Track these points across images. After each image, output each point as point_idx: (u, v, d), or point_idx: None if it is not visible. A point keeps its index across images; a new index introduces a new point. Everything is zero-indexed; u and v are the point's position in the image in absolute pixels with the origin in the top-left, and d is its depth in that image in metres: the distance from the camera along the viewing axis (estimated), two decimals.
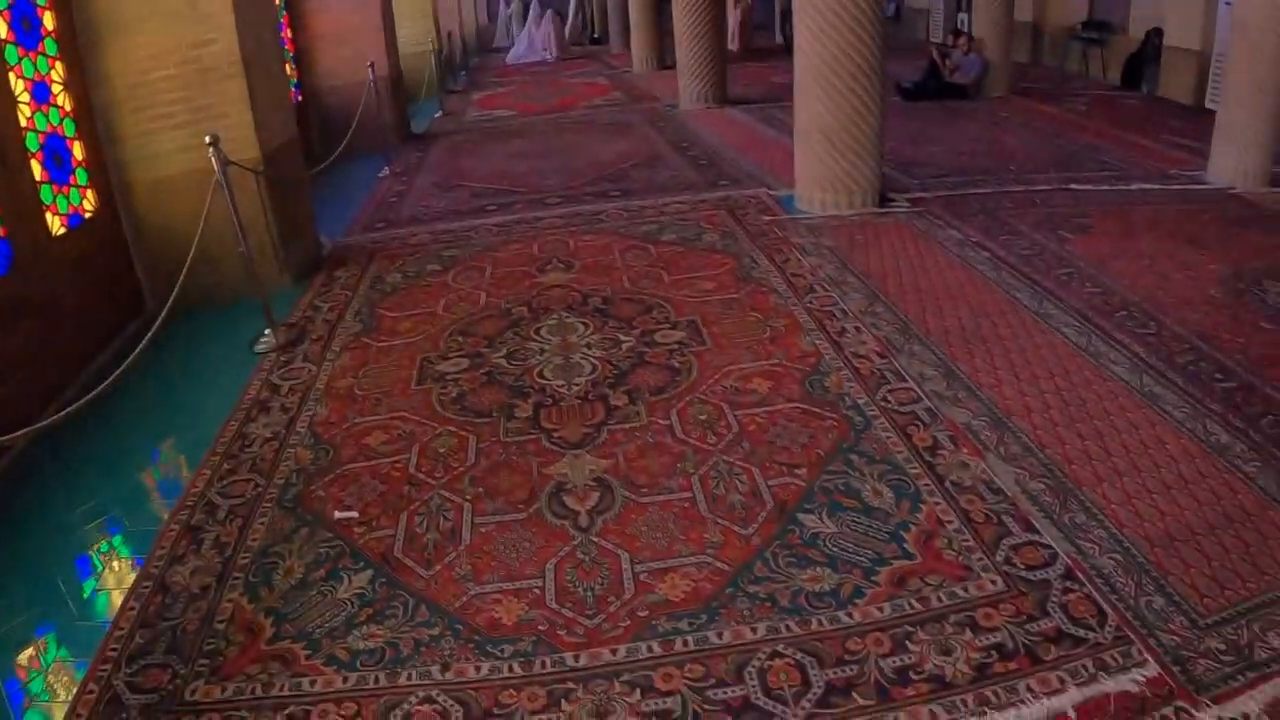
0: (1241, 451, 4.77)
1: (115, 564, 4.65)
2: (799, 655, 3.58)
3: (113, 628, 4.04)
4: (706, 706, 3.37)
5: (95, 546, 4.78)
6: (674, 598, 3.93)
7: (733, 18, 22.91)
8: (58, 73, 7.07)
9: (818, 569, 4.04)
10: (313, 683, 3.63)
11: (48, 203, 6.62)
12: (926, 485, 4.60)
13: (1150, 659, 3.45)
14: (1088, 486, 4.51)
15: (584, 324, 6.79)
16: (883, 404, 5.41)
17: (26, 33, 6.67)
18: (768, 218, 9.24)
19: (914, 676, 3.45)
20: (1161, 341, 6.04)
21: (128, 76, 7.50)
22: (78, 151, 7.23)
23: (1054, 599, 3.79)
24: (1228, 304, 6.59)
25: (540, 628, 3.82)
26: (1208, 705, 3.25)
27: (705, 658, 3.60)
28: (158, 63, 7.53)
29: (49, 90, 6.91)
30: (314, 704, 3.52)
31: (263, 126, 8.00)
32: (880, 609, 3.79)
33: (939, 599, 3.83)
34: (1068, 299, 6.76)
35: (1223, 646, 3.50)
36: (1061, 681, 3.39)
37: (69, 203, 6.94)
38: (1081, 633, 3.61)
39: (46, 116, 6.81)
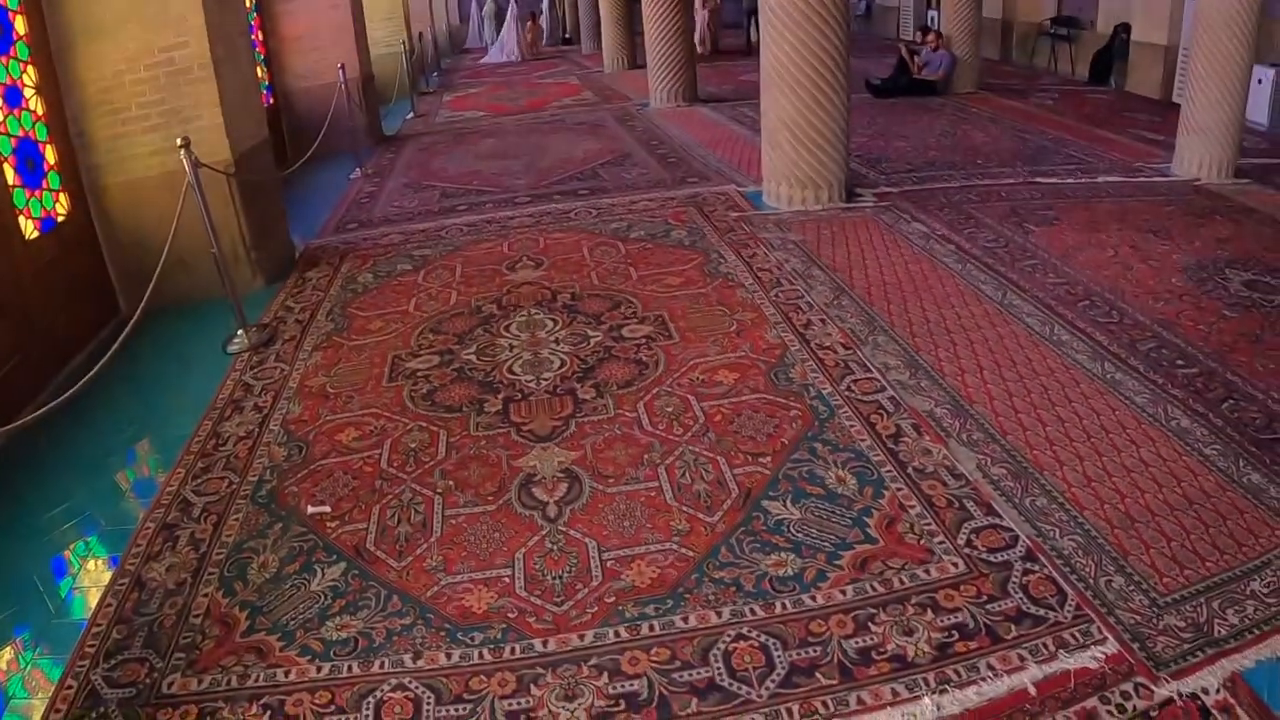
0: (1202, 435, 4.86)
1: (91, 563, 4.68)
2: (763, 638, 3.64)
3: (90, 624, 4.07)
4: (672, 688, 3.43)
5: (71, 546, 4.80)
6: (640, 584, 3.99)
7: (700, 18, 22.90)
8: (30, 77, 7.08)
9: (782, 554, 4.11)
10: (287, 673, 3.68)
11: (20, 207, 6.63)
12: (889, 472, 4.67)
13: (1110, 637, 3.53)
14: (1048, 471, 4.59)
15: (553, 320, 6.84)
16: (847, 394, 5.48)
17: None
18: (735, 214, 9.31)
19: (876, 656, 3.52)
20: (1124, 330, 6.13)
21: (100, 80, 7.52)
22: (50, 155, 7.24)
23: (1015, 580, 3.86)
24: (1190, 293, 6.68)
25: (510, 615, 3.88)
26: (1167, 681, 3.32)
27: (671, 641, 3.66)
28: (129, 66, 7.55)
29: (21, 95, 6.92)
30: (289, 694, 3.57)
31: (234, 129, 8.03)
32: (843, 592, 3.86)
33: (901, 581, 3.90)
34: (1031, 289, 6.85)
35: (1182, 624, 3.57)
36: (1022, 659, 3.45)
37: (42, 207, 6.96)
38: (1042, 612, 3.68)
39: (19, 121, 6.83)
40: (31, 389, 6.21)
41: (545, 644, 3.71)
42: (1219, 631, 3.53)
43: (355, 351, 6.63)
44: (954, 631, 3.61)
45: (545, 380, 5.92)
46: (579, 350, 6.29)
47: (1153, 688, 3.29)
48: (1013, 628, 3.61)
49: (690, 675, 3.49)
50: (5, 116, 6.64)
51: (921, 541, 4.14)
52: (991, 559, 4.00)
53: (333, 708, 3.48)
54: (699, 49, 20.49)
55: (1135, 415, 5.08)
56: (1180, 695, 3.26)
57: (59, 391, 5.40)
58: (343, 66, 13.43)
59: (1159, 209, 8.79)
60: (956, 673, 3.42)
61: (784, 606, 3.81)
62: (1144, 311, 6.38)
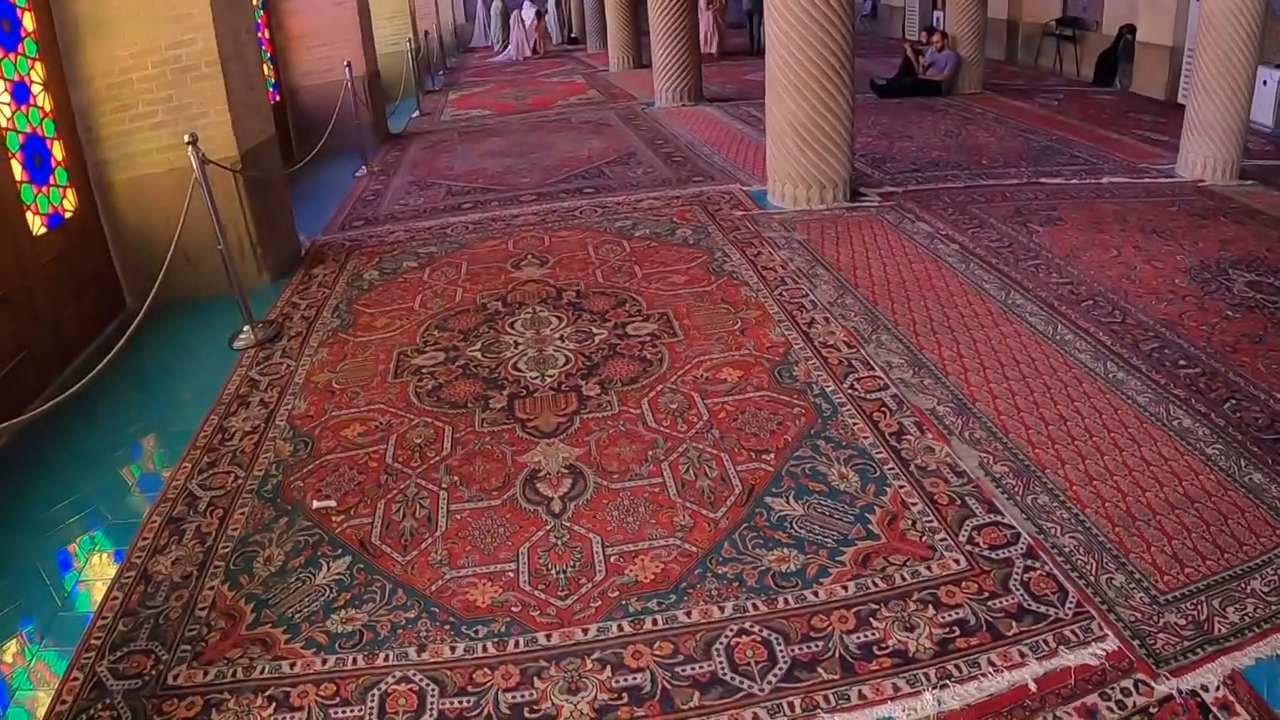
0: (1203, 435, 4.88)
1: (97, 556, 4.69)
2: (765, 632, 3.67)
3: (96, 617, 4.10)
4: (675, 682, 3.46)
5: (77, 540, 4.82)
6: (644, 579, 4.02)
7: (704, 20, 22.86)
8: (37, 73, 7.11)
9: (784, 550, 4.13)
10: (292, 665, 3.70)
11: (28, 202, 6.66)
12: (892, 469, 4.70)
13: (1110, 634, 3.55)
14: (1050, 469, 4.61)
15: (558, 317, 6.86)
16: (850, 392, 5.50)
17: (6, 34, 6.71)
18: (740, 213, 9.33)
19: (877, 652, 3.54)
20: (1127, 330, 6.14)
21: (107, 77, 7.54)
22: (57, 151, 7.26)
23: (1016, 577, 3.88)
24: (1194, 294, 6.69)
25: (514, 609, 3.91)
26: (1167, 678, 3.34)
27: (674, 636, 3.69)
28: (137, 63, 7.57)
29: (29, 91, 6.95)
30: (293, 685, 3.60)
31: (240, 126, 8.05)
32: (845, 588, 3.89)
33: (903, 577, 3.92)
34: (1035, 289, 6.87)
35: (1182, 621, 3.60)
36: (1023, 656, 3.48)
37: (49, 202, 6.98)
38: (1043, 609, 3.70)
39: (26, 117, 6.85)
40: (38, 384, 6.24)
41: (549, 638, 3.74)
42: (1219, 629, 3.55)
43: (361, 348, 6.65)
44: (955, 627, 3.63)
45: (550, 377, 5.94)
46: (584, 347, 6.32)
47: (1153, 685, 3.31)
48: (1014, 624, 3.63)
49: (693, 669, 3.52)
50: (13, 112, 6.66)
51: (923, 538, 4.16)
52: (993, 556, 4.02)
53: (338, 699, 3.50)
54: (704, 49, 20.43)
55: (1137, 414, 5.10)
56: (1180, 692, 3.27)
57: (65, 386, 5.42)
58: (349, 64, 13.43)
59: (1163, 210, 8.80)
60: (957, 668, 3.44)
61: (786, 602, 3.83)
62: (1147, 312, 6.40)
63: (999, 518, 4.26)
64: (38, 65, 7.12)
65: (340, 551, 4.38)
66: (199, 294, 7.77)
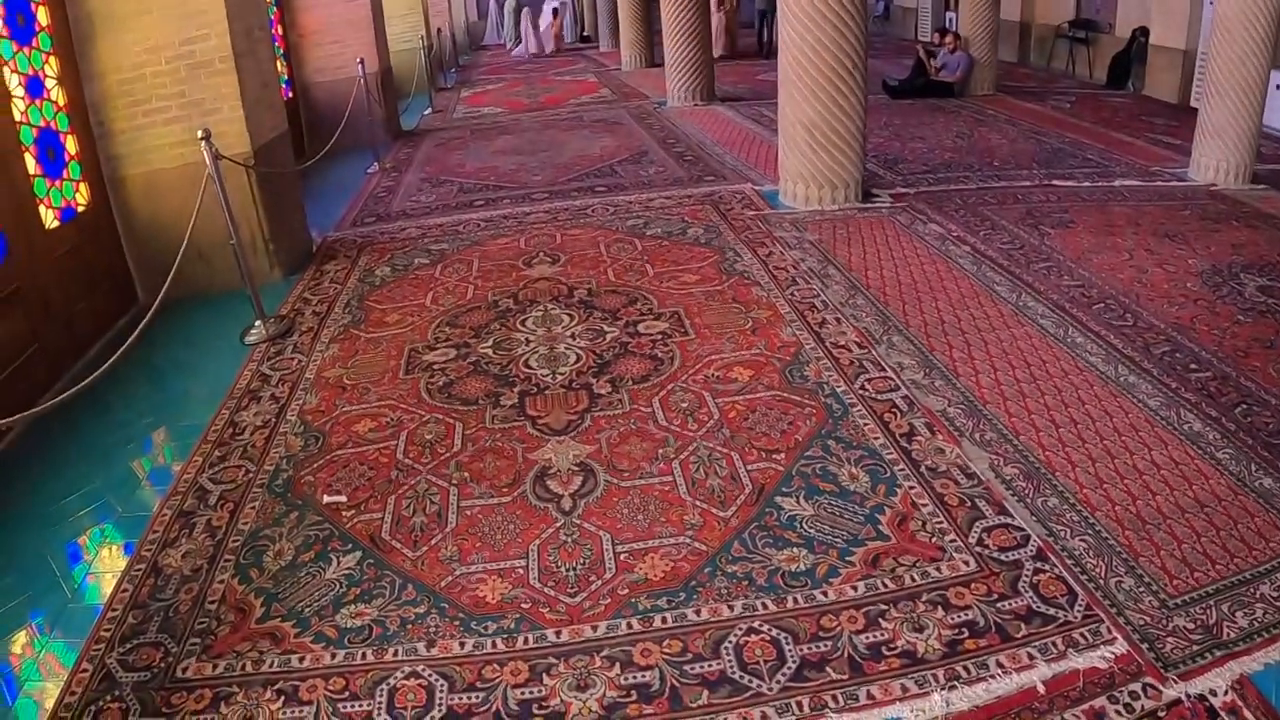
0: (1214, 439, 4.86)
1: (108, 549, 4.70)
2: (775, 631, 3.67)
3: (105, 609, 4.11)
4: (684, 680, 3.46)
5: (88, 532, 4.83)
6: (653, 577, 4.02)
7: (716, 20, 22.83)
8: (51, 68, 7.13)
9: (794, 550, 4.13)
10: (301, 659, 3.71)
11: (41, 196, 6.68)
12: (902, 470, 4.69)
13: (1119, 637, 3.54)
14: (1060, 472, 4.61)
15: (569, 315, 6.87)
16: (861, 392, 5.50)
17: (20, 28, 6.73)
18: (752, 212, 9.33)
19: (886, 652, 3.54)
20: (1138, 333, 6.13)
21: (121, 71, 7.56)
22: (71, 146, 7.29)
23: (1025, 579, 3.88)
24: (1205, 298, 6.68)
25: (523, 605, 3.91)
26: (1175, 682, 3.33)
27: (683, 634, 3.69)
28: (150, 58, 7.59)
29: (43, 85, 6.97)
30: (302, 679, 3.60)
31: (253, 121, 8.07)
32: (854, 588, 3.88)
33: (912, 578, 3.92)
34: (1046, 292, 6.86)
35: (1191, 625, 3.59)
36: (1031, 658, 3.47)
37: (62, 196, 7.01)
38: (1052, 611, 3.69)
39: (40, 111, 6.88)
40: (49, 377, 6.26)
41: (558, 634, 3.74)
42: (1228, 634, 3.55)
43: (372, 344, 6.66)
44: (964, 629, 3.63)
45: (561, 375, 5.95)
46: (595, 345, 6.32)
47: (1161, 688, 3.30)
48: (1023, 626, 3.63)
49: (702, 667, 3.52)
50: (27, 107, 6.69)
51: (933, 539, 4.16)
52: (1002, 558, 4.01)
53: (346, 694, 3.51)
54: (716, 50, 20.42)
55: (1148, 418, 5.09)
56: (1188, 696, 3.27)
57: (77, 380, 5.43)
58: (362, 61, 13.45)
59: (1175, 213, 8.79)
60: (966, 670, 3.44)
61: (795, 601, 3.83)
62: (1158, 315, 6.39)
63: (1009, 520, 4.26)
64: (51, 60, 7.15)
65: (350, 546, 4.39)
66: (211, 289, 7.79)
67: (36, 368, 6.15)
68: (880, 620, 3.70)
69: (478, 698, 3.45)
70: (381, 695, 3.49)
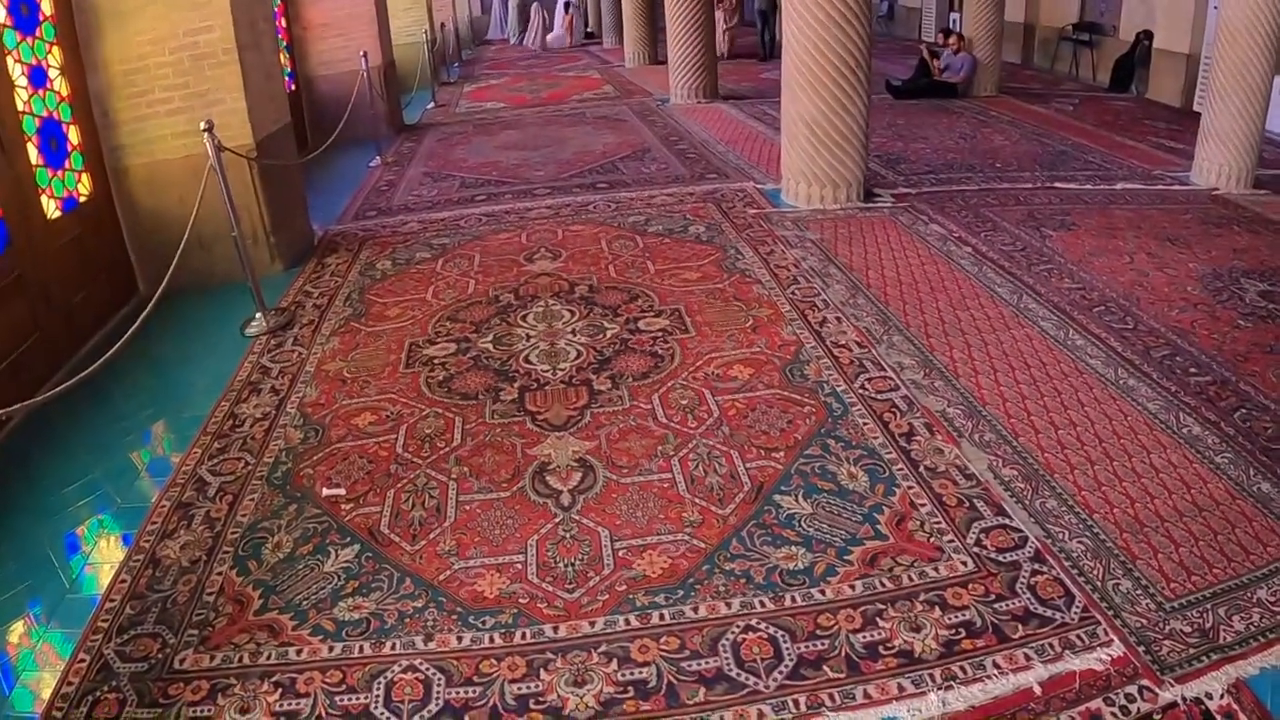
0: (1213, 443, 4.87)
1: (106, 540, 4.70)
2: (772, 630, 3.67)
3: (103, 600, 4.12)
4: (681, 677, 3.47)
5: (86, 523, 4.83)
6: (652, 574, 4.02)
7: (719, 19, 22.75)
8: (55, 58, 7.13)
9: (792, 548, 4.14)
10: (299, 652, 3.71)
11: (43, 186, 6.68)
12: (901, 470, 4.70)
13: (1116, 639, 3.55)
14: (1059, 474, 4.61)
15: (570, 311, 6.87)
16: (861, 392, 5.50)
17: (24, 18, 6.72)
18: (753, 211, 9.33)
19: (883, 651, 3.55)
20: (1138, 336, 6.14)
21: (124, 62, 7.56)
22: (74, 136, 7.29)
23: (1023, 580, 3.88)
24: (1205, 302, 6.68)
25: (521, 600, 3.92)
26: (1171, 685, 3.33)
27: (681, 631, 3.69)
28: (154, 49, 7.58)
29: (46, 75, 6.96)
30: (300, 672, 3.61)
31: (256, 113, 8.07)
32: (852, 587, 3.89)
33: (910, 578, 3.93)
34: (1047, 294, 6.86)
35: (1188, 629, 3.59)
36: (1028, 659, 3.48)
37: (64, 186, 7.00)
38: (1049, 613, 3.70)
39: (43, 101, 6.87)
40: (49, 367, 6.26)
41: (556, 630, 3.75)
42: (1224, 638, 3.55)
43: (373, 337, 6.67)
44: (961, 629, 3.64)
45: (561, 370, 5.95)
46: (595, 341, 6.32)
47: (1157, 691, 3.31)
48: (1020, 627, 3.63)
49: (699, 664, 3.52)
50: (30, 96, 6.68)
51: (931, 539, 4.16)
52: (1000, 559, 4.02)
53: (343, 687, 3.52)
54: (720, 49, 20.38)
55: (1147, 421, 5.09)
56: (1184, 700, 3.27)
57: (76, 370, 5.43)
58: (365, 55, 13.45)
59: (1176, 217, 8.79)
60: (963, 670, 3.44)
61: (793, 600, 3.84)
62: (1159, 319, 6.39)
63: (1007, 521, 4.26)
64: (55, 50, 7.14)
65: (349, 540, 4.39)
66: (212, 280, 7.79)
67: (36, 358, 6.15)
68: (878, 619, 3.70)
69: (475, 692, 3.45)
70: (379, 688, 3.50)
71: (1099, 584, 3.84)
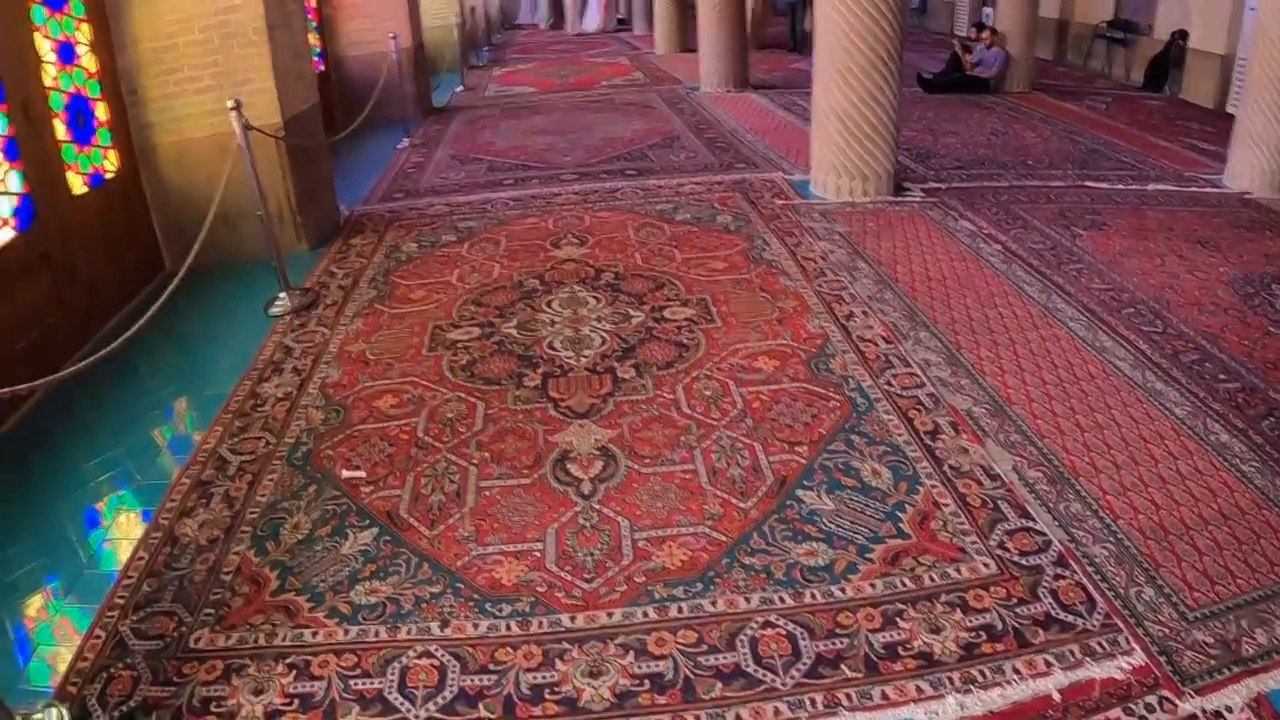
0: (1240, 451, 4.81)
1: (125, 516, 4.72)
2: (791, 626, 3.64)
3: (121, 576, 4.12)
4: (697, 671, 3.44)
5: (106, 499, 4.85)
6: (671, 566, 4.00)
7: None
8: (84, 34, 7.14)
9: (813, 544, 4.11)
10: (314, 634, 3.71)
11: (70, 162, 6.69)
12: (925, 468, 4.66)
13: (1137, 648, 3.51)
14: (1084, 477, 4.57)
15: (595, 298, 6.85)
16: (886, 388, 5.47)
17: None
18: (782, 201, 9.29)
19: (902, 652, 3.52)
20: (1167, 340, 6.07)
21: (154, 40, 7.58)
22: (101, 112, 7.30)
23: (1045, 584, 3.84)
24: (1236, 307, 6.61)
25: (539, 589, 3.90)
26: (1191, 696, 3.29)
27: (699, 624, 3.67)
28: (184, 28, 7.60)
29: (74, 51, 6.97)
30: (315, 654, 3.60)
31: (285, 93, 8.08)
32: (873, 585, 3.86)
33: (931, 579, 3.89)
34: (1076, 294, 6.80)
35: (1210, 640, 3.54)
36: (1048, 665, 3.44)
37: (91, 162, 7.02)
38: (1070, 619, 3.66)
39: (71, 77, 6.88)
40: (74, 342, 6.28)
41: (573, 619, 3.73)
42: (1247, 650, 3.50)
43: (396, 320, 6.66)
44: (981, 632, 3.60)
45: (585, 357, 5.93)
46: (620, 329, 6.30)
47: (1177, 702, 3.27)
48: (1041, 632, 3.60)
49: (716, 659, 3.50)
50: (58, 73, 6.69)
51: (954, 540, 4.13)
52: (1023, 562, 3.98)
53: (358, 671, 3.51)
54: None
55: (1174, 427, 5.04)
56: (1204, 712, 3.23)
57: (101, 345, 5.43)
58: (395, 36, 13.45)
59: (1208, 220, 8.70)
60: (981, 674, 3.41)
61: (813, 596, 3.81)
62: (1188, 323, 6.33)
63: (1031, 523, 4.22)
64: (84, 26, 7.15)
65: (368, 522, 4.38)
66: (237, 259, 7.80)
67: (61, 333, 6.17)
68: (898, 620, 3.67)
69: (490, 680, 3.44)
70: (393, 674, 3.49)
71: (1122, 591, 3.80)
